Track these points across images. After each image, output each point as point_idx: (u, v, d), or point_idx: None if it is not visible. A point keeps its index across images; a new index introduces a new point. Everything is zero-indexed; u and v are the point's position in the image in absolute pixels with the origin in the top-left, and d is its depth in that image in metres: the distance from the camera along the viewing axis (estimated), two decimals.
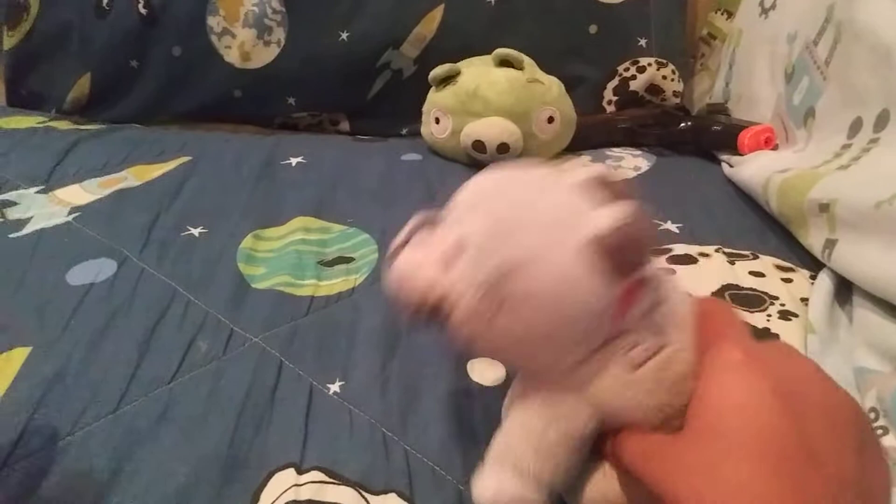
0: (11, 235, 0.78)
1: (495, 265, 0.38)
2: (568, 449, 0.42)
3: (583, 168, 0.45)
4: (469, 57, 1.05)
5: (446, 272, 0.42)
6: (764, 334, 0.61)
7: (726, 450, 0.34)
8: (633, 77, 1.17)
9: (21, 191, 0.89)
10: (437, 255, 0.42)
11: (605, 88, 1.18)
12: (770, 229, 0.80)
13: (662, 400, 0.41)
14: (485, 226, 0.40)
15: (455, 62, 1.02)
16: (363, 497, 0.47)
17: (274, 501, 0.46)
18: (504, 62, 0.97)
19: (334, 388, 0.56)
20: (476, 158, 0.96)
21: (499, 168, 0.45)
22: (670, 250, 0.75)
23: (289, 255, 0.75)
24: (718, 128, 1.01)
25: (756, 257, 0.74)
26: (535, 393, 0.43)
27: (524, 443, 0.42)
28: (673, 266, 0.72)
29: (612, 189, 0.44)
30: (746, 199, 0.87)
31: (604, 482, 0.43)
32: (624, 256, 0.37)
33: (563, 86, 1.01)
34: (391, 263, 0.44)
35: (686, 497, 0.34)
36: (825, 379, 0.38)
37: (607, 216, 0.38)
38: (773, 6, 1.02)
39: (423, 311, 0.42)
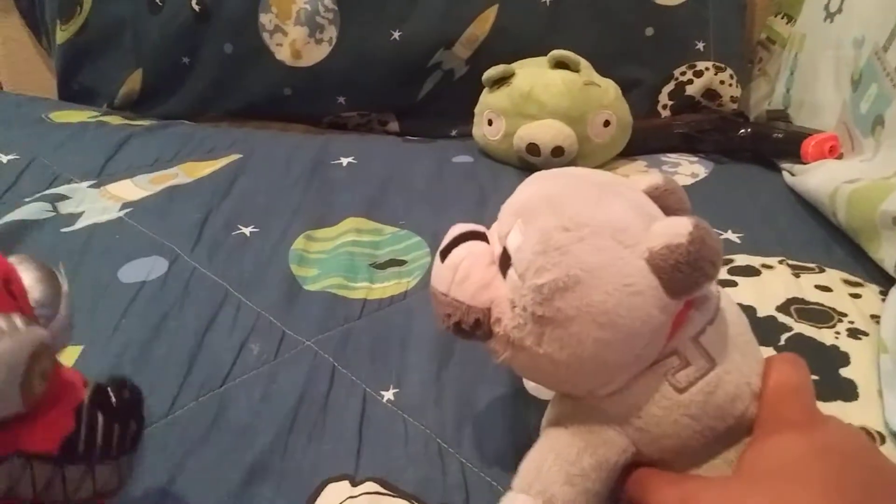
0: (64, 230, 0.78)
1: (546, 282, 0.37)
2: (600, 480, 0.40)
3: (644, 176, 0.43)
4: (521, 58, 1.03)
5: (493, 285, 0.40)
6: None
7: (782, 492, 0.33)
8: (690, 81, 1.14)
9: (73, 185, 0.89)
10: (484, 265, 0.41)
11: (661, 92, 1.15)
12: (836, 241, 0.77)
13: (706, 424, 0.39)
14: (537, 239, 0.38)
15: (507, 63, 1.00)
16: None
17: None
18: (560, 64, 0.95)
19: (388, 395, 0.55)
20: (529, 162, 0.94)
21: (553, 174, 0.43)
22: (731, 261, 0.73)
23: (341, 257, 0.74)
24: (780, 135, 0.98)
25: (822, 270, 0.71)
26: (570, 418, 0.41)
27: (555, 470, 0.40)
28: (734, 277, 0.70)
29: (673, 200, 0.42)
30: (809, 208, 0.84)
31: None
32: (683, 276, 0.36)
33: (619, 89, 0.98)
34: (437, 266, 0.43)
35: None
36: (876, 449, 0.37)
37: (667, 233, 0.36)
38: (840, 10, 0.99)
39: (465, 324, 0.41)
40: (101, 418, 0.35)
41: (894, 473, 0.35)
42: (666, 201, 0.42)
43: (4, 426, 0.31)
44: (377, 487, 0.47)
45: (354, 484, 0.48)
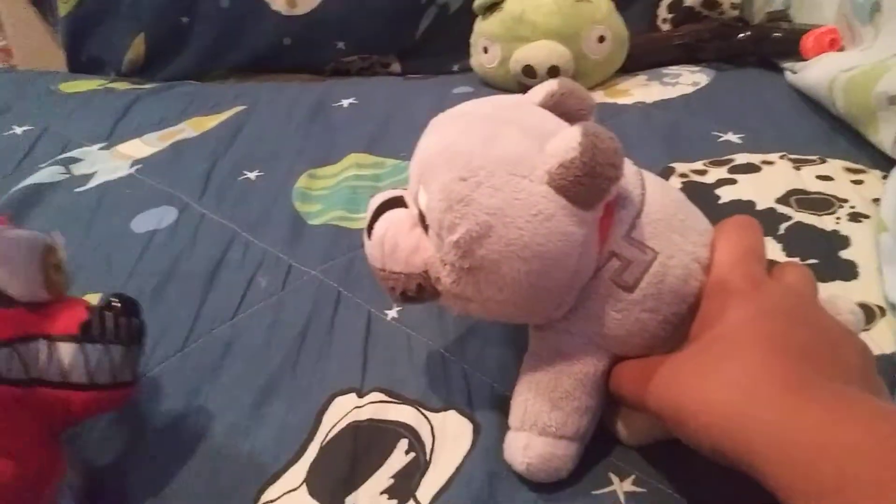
0: (77, 189, 0.81)
1: (460, 236, 0.37)
2: (586, 394, 0.41)
3: (535, 88, 0.43)
4: None
5: (421, 248, 0.40)
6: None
7: (725, 354, 0.34)
8: None
9: (85, 148, 0.91)
10: (408, 231, 0.41)
11: (659, 6, 1.13)
12: (838, 133, 0.76)
13: (667, 312, 0.40)
14: (439, 196, 0.37)
15: None
16: (423, 415, 0.47)
17: (336, 423, 0.47)
18: None
19: (392, 313, 0.57)
20: (527, 85, 0.94)
21: (447, 117, 0.43)
22: (732, 160, 0.73)
23: (343, 191, 0.75)
24: (780, 34, 0.96)
25: (824, 161, 0.71)
26: (540, 347, 0.42)
27: (540, 401, 0.41)
28: (734, 175, 0.70)
29: (573, 101, 0.42)
30: (812, 105, 0.83)
31: (633, 413, 0.43)
32: (586, 187, 0.35)
33: (612, 3, 0.97)
34: (367, 244, 0.43)
35: (688, 404, 0.33)
36: (818, 307, 0.39)
37: (558, 151, 0.36)
38: None
39: (410, 292, 0.41)
40: (108, 313, 0.41)
41: (835, 331, 0.36)
42: (566, 106, 0.42)
43: (32, 311, 0.38)
44: (382, 396, 0.49)
45: (361, 395, 0.49)
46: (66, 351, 0.38)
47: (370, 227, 0.43)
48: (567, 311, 0.40)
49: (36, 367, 0.37)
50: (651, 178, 0.43)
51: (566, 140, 0.36)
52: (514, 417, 0.42)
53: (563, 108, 0.42)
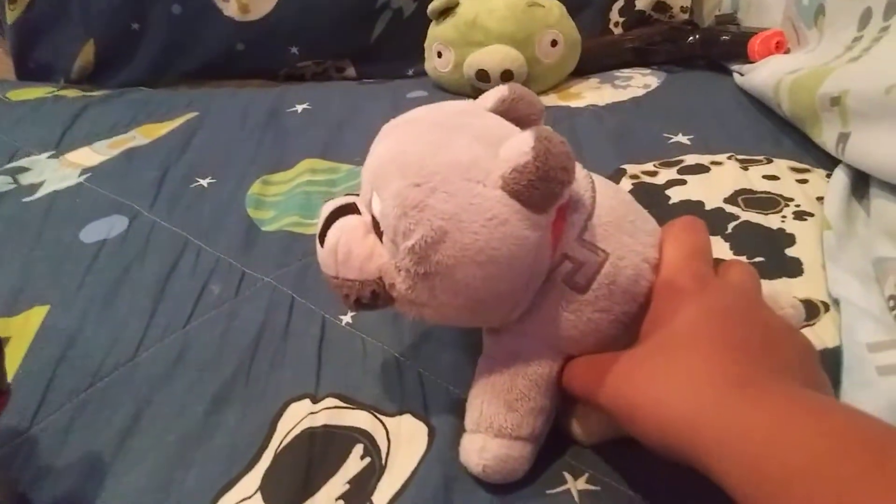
0: (25, 199, 0.79)
1: (415, 242, 0.37)
2: (541, 394, 0.41)
3: (486, 94, 0.43)
4: None
5: (375, 254, 0.40)
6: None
7: (674, 353, 0.35)
8: None
9: (33, 157, 0.90)
10: (361, 238, 0.41)
11: (611, 10, 1.15)
12: (784, 133, 0.78)
13: (618, 311, 0.40)
14: (393, 202, 0.37)
15: None
16: (378, 419, 0.47)
17: (290, 430, 0.47)
18: None
19: (346, 318, 0.57)
20: (481, 89, 0.94)
21: (399, 124, 0.43)
22: (681, 161, 0.74)
23: (297, 197, 0.75)
24: (727, 37, 0.98)
25: (770, 161, 0.72)
26: (495, 349, 0.43)
27: (495, 402, 0.41)
28: (684, 176, 0.71)
29: (524, 106, 0.42)
30: (760, 106, 0.85)
31: (587, 413, 0.43)
32: (539, 191, 0.36)
33: (563, 7, 0.99)
34: (319, 251, 0.43)
35: (640, 402, 0.34)
36: (763, 305, 0.40)
37: (511, 156, 0.36)
38: None
39: (364, 298, 0.41)
40: None
41: (779, 328, 0.37)
42: (517, 111, 0.42)
43: None
44: (337, 402, 0.49)
45: (315, 401, 0.49)
46: None
47: (322, 235, 0.42)
48: (521, 313, 0.41)
49: None
50: (601, 181, 0.43)
51: (519, 145, 0.36)
52: (470, 419, 0.42)
53: (514, 114, 0.42)
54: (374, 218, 0.40)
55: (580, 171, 0.41)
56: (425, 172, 0.37)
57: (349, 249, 0.40)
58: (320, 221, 0.43)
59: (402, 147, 0.39)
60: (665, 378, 0.33)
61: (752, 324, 0.36)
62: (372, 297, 0.41)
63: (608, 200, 0.42)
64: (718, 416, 0.30)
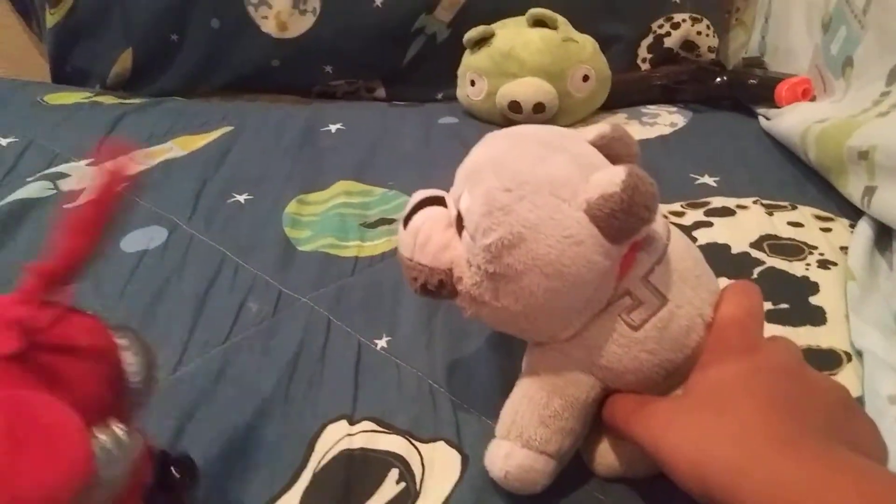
0: (66, 206, 0.81)
1: (493, 241, 0.39)
2: (573, 417, 0.43)
3: (588, 128, 0.45)
4: (501, 19, 1.05)
5: (451, 247, 0.43)
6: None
7: (722, 408, 0.36)
8: (668, 34, 1.16)
9: (72, 163, 0.92)
10: (442, 228, 0.43)
11: (640, 46, 1.17)
12: (809, 180, 0.80)
13: (664, 357, 0.42)
14: (482, 200, 0.40)
15: (489, 24, 1.02)
16: (413, 445, 0.49)
17: (328, 451, 0.49)
18: (538, 22, 0.97)
19: (381, 343, 0.58)
20: (512, 119, 0.97)
21: (502, 134, 0.45)
22: (708, 203, 0.76)
23: (332, 219, 0.77)
24: (755, 81, 1.00)
25: (794, 208, 0.74)
26: (539, 364, 0.44)
27: (529, 415, 0.43)
28: (710, 218, 0.72)
29: (620, 146, 0.44)
30: (784, 151, 0.87)
31: (615, 445, 0.45)
32: (619, 222, 0.38)
33: (597, 44, 1.01)
34: (401, 233, 0.45)
35: (686, 452, 0.36)
36: (808, 367, 0.40)
37: (601, 183, 0.38)
38: None
39: (430, 285, 0.43)
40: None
41: (821, 389, 0.39)
42: (613, 149, 0.44)
43: None
44: (373, 426, 0.51)
45: (352, 423, 0.51)
46: None
47: (407, 219, 0.45)
48: (572, 334, 0.42)
49: None
50: (677, 233, 0.45)
51: (611, 175, 0.38)
52: (501, 426, 0.44)
53: (610, 151, 0.44)
54: (459, 213, 0.42)
55: (661, 217, 0.43)
56: (518, 180, 0.39)
57: (429, 236, 0.43)
58: (408, 206, 0.46)
59: (503, 153, 0.42)
60: (712, 429, 0.35)
61: (799, 384, 0.38)
62: (438, 285, 0.43)
63: (680, 251, 0.43)
64: (761, 471, 0.32)
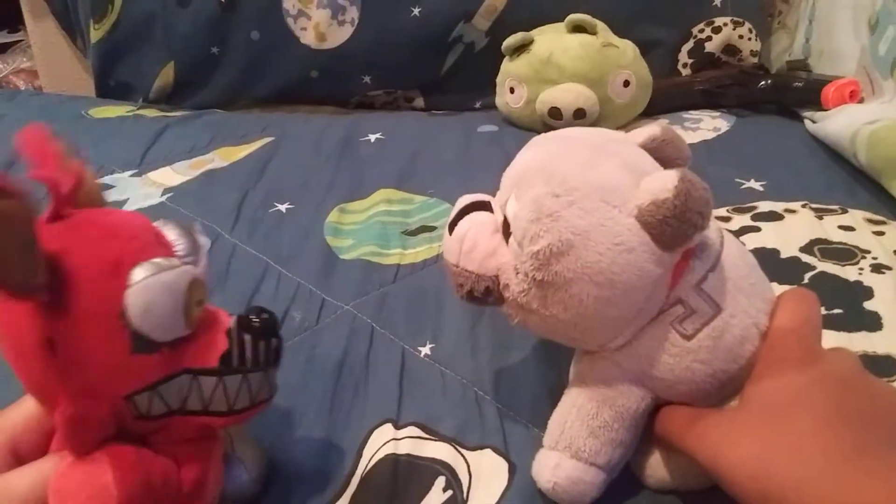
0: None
1: (541, 248, 0.38)
2: (623, 428, 0.42)
3: (638, 130, 0.44)
4: (539, 26, 1.05)
5: (498, 253, 0.42)
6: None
7: (783, 421, 0.35)
8: (709, 38, 1.14)
9: (116, 175, 0.93)
10: (489, 235, 0.42)
11: (680, 51, 1.15)
12: (859, 183, 0.78)
13: (717, 367, 0.41)
14: (530, 207, 0.39)
15: (527, 31, 1.02)
16: (459, 452, 0.49)
17: (374, 454, 0.49)
18: (577, 28, 0.96)
19: (425, 350, 0.58)
20: (552, 126, 0.96)
21: (550, 138, 0.44)
22: (755, 208, 0.74)
23: (373, 227, 0.77)
24: (800, 84, 0.98)
25: (845, 211, 0.72)
26: (588, 374, 0.43)
27: (578, 425, 0.42)
28: (758, 223, 0.71)
29: (671, 149, 0.43)
30: (832, 154, 0.85)
31: (667, 457, 0.44)
32: (672, 229, 0.37)
33: (637, 49, 1.00)
34: (446, 238, 0.44)
35: (744, 466, 0.35)
36: (870, 377, 0.39)
37: (653, 189, 0.37)
38: None
39: (476, 292, 0.42)
40: (247, 337, 0.39)
41: (886, 398, 0.38)
42: (664, 152, 0.43)
43: (174, 348, 0.37)
44: (419, 432, 0.50)
45: (398, 427, 0.51)
46: (207, 383, 0.38)
47: (453, 224, 0.44)
48: (622, 343, 0.41)
49: (178, 400, 0.38)
50: (731, 239, 0.44)
51: (662, 181, 0.37)
52: (550, 436, 0.43)
53: (661, 154, 0.43)
54: (505, 219, 0.42)
55: (713, 223, 0.42)
56: (568, 186, 0.38)
57: (475, 242, 0.42)
58: (454, 211, 0.45)
59: (552, 158, 0.41)
60: (773, 443, 0.34)
61: (862, 394, 0.37)
62: (485, 292, 0.42)
63: (733, 258, 0.42)
64: (830, 485, 0.31)
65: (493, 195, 0.46)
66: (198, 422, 0.39)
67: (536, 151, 0.43)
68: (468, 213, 0.44)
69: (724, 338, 0.40)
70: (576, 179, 0.38)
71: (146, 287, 0.34)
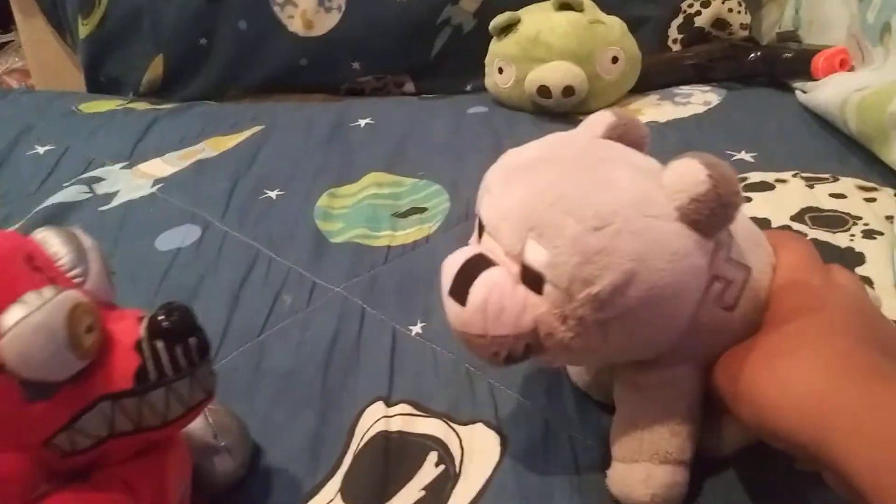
0: (101, 208, 0.82)
1: (601, 289, 0.35)
2: (693, 417, 0.41)
3: (590, 123, 0.42)
4: (528, 5, 1.04)
5: (529, 305, 0.37)
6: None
7: (806, 343, 0.35)
8: (698, 13, 1.13)
9: (107, 167, 0.93)
10: (511, 291, 0.38)
11: (670, 27, 1.15)
12: (850, 151, 0.78)
13: (753, 320, 0.40)
14: (571, 250, 0.35)
15: (514, 11, 1.01)
16: (451, 428, 0.49)
17: (366, 432, 0.49)
18: (564, 5, 0.96)
19: (416, 329, 0.58)
20: (541, 105, 0.96)
21: (517, 169, 0.40)
22: (745, 179, 0.74)
23: (364, 209, 0.77)
24: (790, 55, 0.97)
25: (836, 179, 0.72)
26: (644, 379, 0.42)
27: (657, 427, 0.41)
28: (749, 194, 0.71)
29: (635, 132, 0.41)
30: (823, 124, 0.85)
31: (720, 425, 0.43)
32: (718, 218, 0.35)
33: (624, 25, 0.99)
34: (458, 311, 0.39)
35: (766, 388, 0.35)
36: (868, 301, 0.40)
37: (686, 186, 0.35)
38: None
39: (516, 353, 0.39)
40: (160, 344, 0.36)
41: (890, 327, 0.39)
42: (629, 136, 0.41)
43: (77, 381, 0.34)
44: (410, 409, 0.50)
45: (389, 405, 0.51)
46: (130, 405, 0.35)
47: (459, 293, 0.39)
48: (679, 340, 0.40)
49: (104, 427, 0.35)
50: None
51: (689, 174, 0.35)
52: (628, 449, 0.41)
53: (626, 139, 0.41)
54: (525, 268, 0.37)
55: None
56: (603, 214, 0.35)
57: (501, 305, 0.37)
58: (449, 277, 0.40)
59: (557, 189, 0.37)
60: (796, 365, 0.34)
61: (881, 320, 0.38)
62: (525, 350, 0.38)
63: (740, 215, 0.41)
64: (854, 405, 0.31)
65: (462, 257, 0.40)
66: (136, 440, 0.37)
67: (525, 187, 0.38)
68: (469, 275, 0.38)
69: (760, 296, 0.40)
70: (606, 204, 0.35)
71: (16, 336, 0.31)
